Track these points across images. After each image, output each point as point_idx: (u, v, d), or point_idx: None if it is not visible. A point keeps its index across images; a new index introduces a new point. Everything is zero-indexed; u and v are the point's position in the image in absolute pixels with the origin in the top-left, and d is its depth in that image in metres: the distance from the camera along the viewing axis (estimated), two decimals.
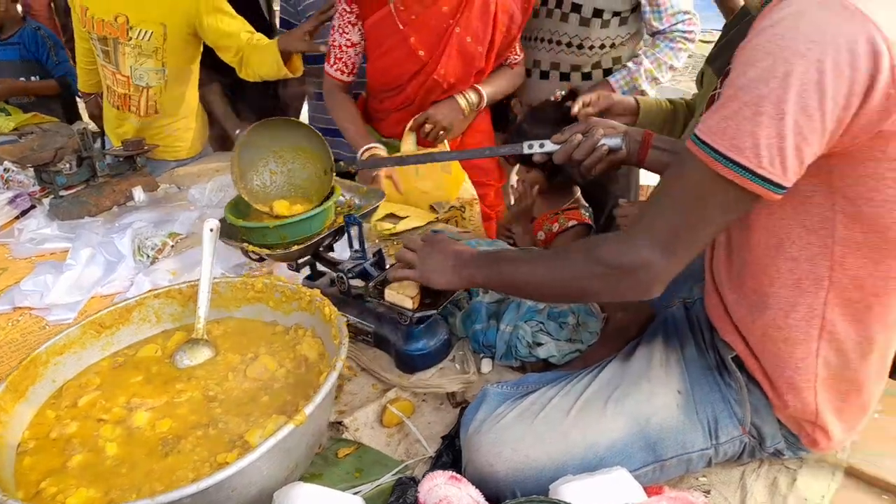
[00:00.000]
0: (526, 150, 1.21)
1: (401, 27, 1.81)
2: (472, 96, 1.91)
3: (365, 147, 1.86)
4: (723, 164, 0.74)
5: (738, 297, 0.94)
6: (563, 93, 1.71)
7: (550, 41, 2.09)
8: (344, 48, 1.92)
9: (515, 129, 1.86)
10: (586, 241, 0.96)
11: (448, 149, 1.91)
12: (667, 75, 2.07)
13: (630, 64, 2.04)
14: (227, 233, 1.29)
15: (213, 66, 2.44)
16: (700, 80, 1.62)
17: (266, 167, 1.37)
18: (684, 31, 1.99)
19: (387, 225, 1.75)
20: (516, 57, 2.04)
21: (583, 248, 0.94)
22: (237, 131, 2.62)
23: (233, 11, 2.17)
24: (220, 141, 2.77)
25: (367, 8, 1.84)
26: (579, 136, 1.19)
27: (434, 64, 1.85)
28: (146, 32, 2.11)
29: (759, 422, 0.97)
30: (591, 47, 2.05)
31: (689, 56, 2.08)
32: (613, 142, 1.19)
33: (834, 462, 1.02)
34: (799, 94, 0.69)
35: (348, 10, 1.87)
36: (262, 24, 2.70)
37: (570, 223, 1.87)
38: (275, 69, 2.06)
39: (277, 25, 2.66)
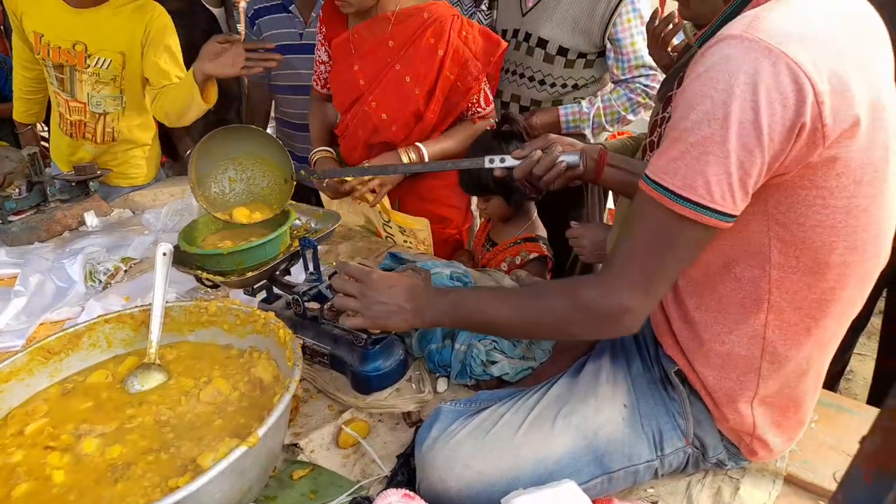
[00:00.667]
0: (487, 164, 1.24)
1: (352, 52, 1.84)
2: (413, 155, 1.83)
3: (315, 150, 1.96)
4: (679, 203, 0.79)
5: (683, 313, 0.99)
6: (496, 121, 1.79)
7: (514, 73, 2.11)
8: (318, 63, 2.02)
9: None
10: (563, 284, 0.96)
11: (388, 206, 1.88)
12: (615, 126, 2.08)
13: (584, 103, 2.04)
14: (182, 259, 1.29)
15: None
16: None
17: (224, 174, 1.37)
18: (646, 86, 1.97)
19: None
20: (481, 110, 1.92)
21: (560, 290, 0.95)
22: (188, 152, 2.62)
23: (179, 56, 2.16)
24: (176, 163, 2.75)
25: (332, 30, 1.90)
26: (539, 153, 1.23)
27: (369, 95, 1.84)
28: (105, 61, 2.10)
29: (701, 433, 1.01)
30: (553, 84, 2.06)
31: (647, 111, 2.02)
32: (571, 158, 1.23)
33: (774, 471, 1.07)
34: (738, 134, 0.74)
35: (322, 29, 1.95)
36: None
37: (532, 255, 1.89)
38: (186, 102, 2.00)
39: None
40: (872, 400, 1.98)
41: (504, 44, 1.89)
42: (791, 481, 1.06)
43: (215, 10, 2.68)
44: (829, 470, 1.05)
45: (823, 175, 0.79)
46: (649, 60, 1.94)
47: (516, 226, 1.97)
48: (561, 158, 1.22)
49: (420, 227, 1.86)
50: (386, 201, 1.87)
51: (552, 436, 0.96)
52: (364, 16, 1.80)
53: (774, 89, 0.73)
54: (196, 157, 1.31)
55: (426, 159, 1.83)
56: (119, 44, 2.09)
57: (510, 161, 1.25)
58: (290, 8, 2.36)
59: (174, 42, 2.16)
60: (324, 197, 2.07)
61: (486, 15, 2.53)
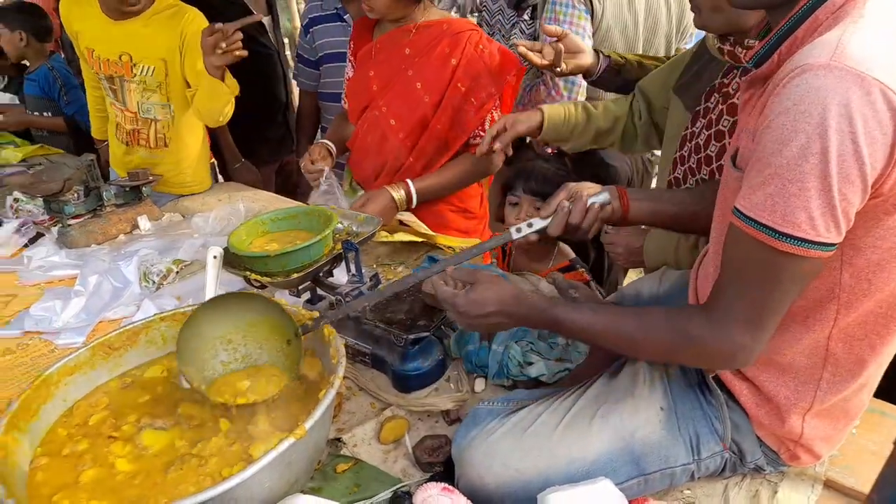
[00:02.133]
0: (515, 235, 1.15)
1: (371, 59, 1.89)
2: (401, 191, 1.82)
3: (317, 142, 2.00)
4: (782, 240, 0.77)
5: None
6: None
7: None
8: (347, 80, 2.07)
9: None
10: (670, 317, 0.93)
11: (425, 227, 1.87)
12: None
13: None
14: (230, 262, 1.35)
15: None
16: (642, 103, 1.68)
17: (216, 359, 1.12)
18: None
19: (383, 233, 1.81)
20: (482, 134, 1.81)
21: (669, 324, 0.92)
22: (235, 165, 2.71)
23: None
24: (221, 171, 2.84)
25: (359, 43, 1.96)
26: (566, 204, 1.17)
27: (380, 99, 1.87)
28: (149, 68, 2.19)
29: (739, 438, 1.01)
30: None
31: None
32: (602, 198, 1.18)
33: (813, 475, 1.07)
34: (839, 166, 0.73)
35: (351, 46, 2.01)
36: (264, 51, 2.80)
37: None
38: (210, 96, 2.07)
39: (292, 60, 2.77)
40: None
41: (523, 67, 1.87)
42: (831, 486, 1.05)
43: (264, 19, 2.77)
44: (870, 475, 1.04)
45: None
46: None
47: (545, 257, 1.90)
48: (592, 200, 1.17)
49: (469, 245, 1.87)
50: (421, 224, 1.87)
51: (589, 436, 0.98)
52: (390, 27, 1.85)
53: (872, 118, 0.72)
54: (178, 347, 1.10)
55: (413, 195, 1.83)
56: (159, 51, 2.18)
57: (539, 223, 1.17)
58: (345, 17, 2.43)
59: None
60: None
61: (529, 25, 2.55)
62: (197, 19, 2.20)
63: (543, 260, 1.90)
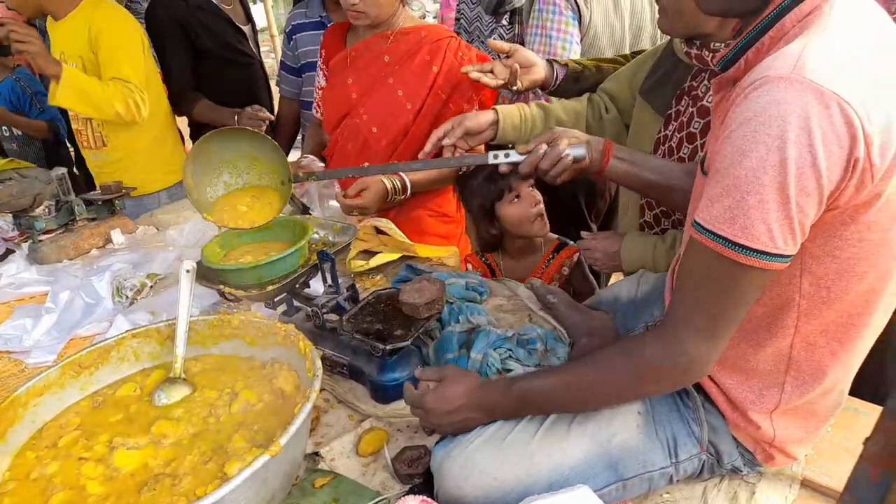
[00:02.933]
0: (491, 160, 1.23)
1: (347, 67, 1.88)
2: (396, 182, 1.83)
3: (304, 158, 2.01)
4: (740, 252, 0.78)
5: None
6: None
7: None
8: (318, 89, 2.06)
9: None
10: (624, 348, 0.94)
11: (403, 237, 1.86)
12: None
13: None
14: (205, 275, 1.33)
15: (195, 87, 2.64)
16: (606, 99, 1.69)
17: (219, 178, 1.33)
18: None
19: (359, 262, 1.79)
20: None
21: (623, 356, 0.94)
22: (234, 117, 2.66)
23: (121, 53, 2.22)
24: None
25: (330, 51, 1.95)
26: (544, 147, 1.22)
27: (360, 107, 1.87)
28: (73, 65, 2.19)
29: (716, 440, 1.02)
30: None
31: None
32: (577, 151, 1.22)
33: (790, 475, 1.07)
34: (798, 178, 0.74)
35: (322, 53, 1.99)
36: (246, 60, 2.79)
37: (575, 257, 1.87)
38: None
39: (277, 68, 2.77)
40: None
41: None
42: (808, 485, 1.06)
43: (245, 27, 2.75)
44: (845, 474, 1.05)
45: (864, 211, 0.79)
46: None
47: (533, 250, 1.92)
48: (567, 152, 1.21)
49: (448, 254, 1.87)
50: (399, 232, 1.86)
51: (567, 442, 0.98)
52: (365, 34, 1.84)
53: (830, 131, 0.72)
54: (190, 161, 1.29)
55: (408, 184, 1.82)
56: (78, 48, 2.18)
57: (515, 156, 1.24)
58: (329, 25, 2.42)
59: (120, 39, 2.21)
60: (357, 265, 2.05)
61: (508, 30, 2.57)
62: (106, 15, 2.19)
63: (532, 253, 1.91)
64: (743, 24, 0.92)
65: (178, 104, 2.71)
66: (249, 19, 2.85)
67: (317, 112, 2.11)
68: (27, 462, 0.98)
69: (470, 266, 1.96)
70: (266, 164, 1.34)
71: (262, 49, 3.08)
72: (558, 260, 1.87)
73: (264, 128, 2.45)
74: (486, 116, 1.60)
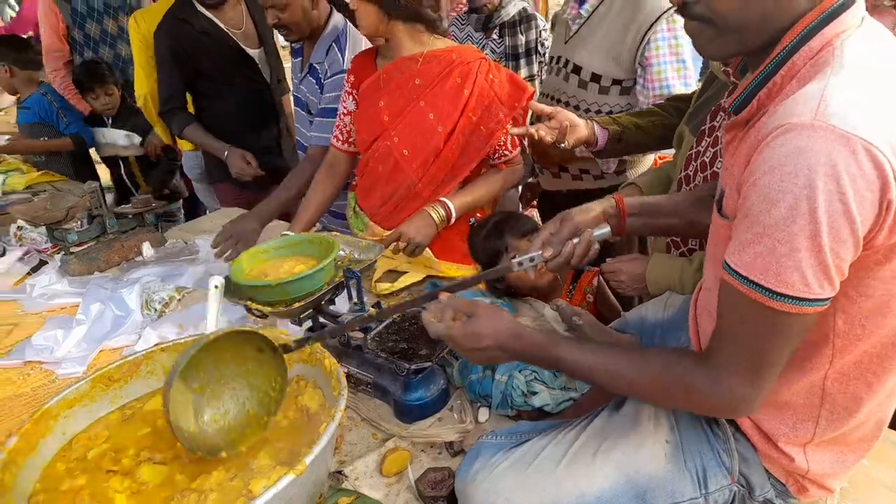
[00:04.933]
0: (517, 268, 1.14)
1: (380, 88, 1.89)
2: (441, 211, 1.84)
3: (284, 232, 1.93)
4: (777, 300, 0.77)
5: None
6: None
7: (552, 98, 2.14)
8: (342, 115, 2.03)
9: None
10: (669, 366, 0.91)
11: (432, 255, 1.88)
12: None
13: None
14: (232, 290, 1.34)
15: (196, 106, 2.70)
16: (678, 141, 1.66)
17: (201, 418, 1.03)
18: None
19: (385, 284, 1.79)
20: (507, 153, 1.92)
21: (669, 374, 0.91)
22: (225, 153, 2.65)
23: None
24: (222, 169, 2.80)
25: (361, 75, 1.96)
26: (571, 244, 1.14)
27: (392, 130, 1.87)
28: None
29: (747, 471, 0.99)
30: (588, 110, 2.05)
31: None
32: (603, 233, 1.17)
33: None
34: (830, 226, 0.73)
35: (350, 79, 2.00)
36: (255, 86, 2.82)
37: (595, 281, 1.82)
38: None
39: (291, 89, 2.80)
40: None
41: (531, 90, 1.89)
42: None
43: (253, 52, 2.76)
44: None
45: None
46: (677, 90, 1.92)
47: (554, 287, 1.82)
48: (596, 236, 1.15)
49: (472, 273, 1.86)
50: (429, 252, 1.87)
51: (593, 470, 0.96)
52: (392, 57, 1.86)
53: (859, 177, 0.71)
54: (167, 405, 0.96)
55: (453, 213, 1.85)
56: None
57: (539, 258, 1.14)
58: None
59: None
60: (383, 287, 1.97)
61: (499, 44, 2.60)
62: None
63: (554, 290, 1.83)
64: (750, 63, 0.91)
65: (166, 118, 2.76)
66: (263, 43, 2.85)
67: (336, 140, 2.06)
68: (57, 473, 1.00)
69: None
70: (248, 370, 1.08)
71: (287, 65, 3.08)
72: (579, 289, 1.83)
73: (250, 178, 2.54)
74: (589, 127, 1.64)
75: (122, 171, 3.52)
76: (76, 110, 3.46)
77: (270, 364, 1.07)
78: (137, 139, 3.39)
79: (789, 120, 0.74)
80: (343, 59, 2.14)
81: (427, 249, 1.85)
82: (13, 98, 3.79)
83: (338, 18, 2.22)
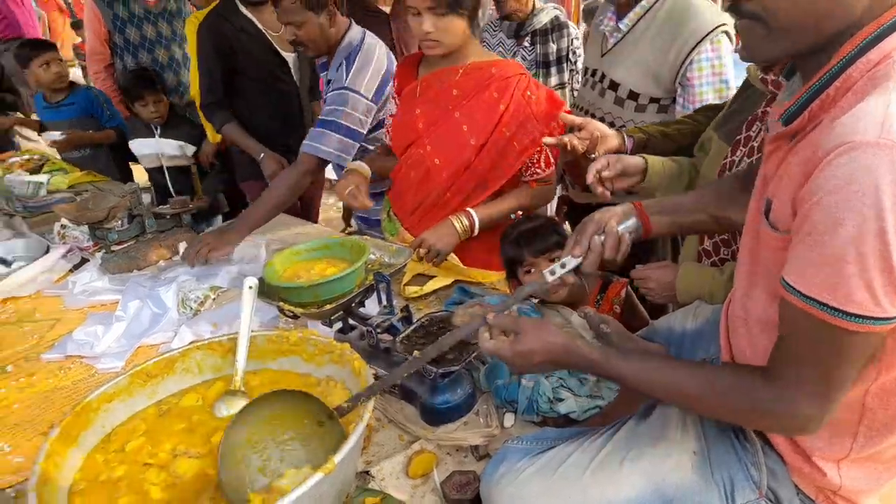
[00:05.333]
0: (550, 279, 1.12)
1: (417, 97, 1.91)
2: (465, 221, 1.84)
3: (349, 168, 2.01)
4: (845, 319, 0.76)
5: None
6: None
7: (586, 111, 2.12)
8: (390, 117, 2.08)
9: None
10: (735, 380, 0.91)
11: (459, 262, 1.88)
12: None
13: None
14: (266, 291, 1.38)
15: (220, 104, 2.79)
16: (702, 146, 1.64)
17: (249, 468, 1.01)
18: None
19: (414, 288, 1.81)
20: (539, 171, 1.89)
21: (734, 389, 0.91)
22: (261, 155, 2.74)
23: None
24: (250, 168, 2.89)
25: (403, 82, 1.99)
26: (598, 239, 1.14)
27: (426, 138, 1.89)
28: None
29: (775, 485, 0.98)
30: (623, 127, 1.99)
31: None
32: (630, 224, 1.16)
33: None
34: None
35: (395, 84, 2.04)
36: (285, 87, 2.89)
37: (623, 293, 1.81)
38: None
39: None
40: None
41: (562, 104, 1.88)
42: None
43: (288, 55, 2.83)
44: None
45: None
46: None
47: (581, 295, 1.81)
48: (622, 230, 1.14)
49: (500, 279, 1.88)
50: (456, 259, 1.88)
51: (619, 479, 0.96)
52: (437, 65, 1.87)
53: None
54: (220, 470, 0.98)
55: (476, 224, 1.85)
56: None
57: (571, 262, 1.13)
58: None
59: None
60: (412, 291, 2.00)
61: (530, 51, 2.60)
62: None
63: (581, 299, 1.81)
64: (801, 70, 0.89)
65: (208, 115, 2.87)
66: (296, 49, 2.91)
67: (387, 137, 2.14)
68: (96, 465, 1.04)
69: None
70: (291, 418, 1.06)
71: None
72: (607, 300, 1.82)
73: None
74: (636, 161, 1.58)
75: (168, 180, 3.39)
76: (114, 107, 3.59)
77: (329, 432, 1.02)
78: (191, 149, 3.33)
79: (853, 138, 0.74)
80: (346, 76, 2.13)
81: (453, 255, 1.86)
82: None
83: (354, 34, 2.22)
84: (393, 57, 2.30)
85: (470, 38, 1.81)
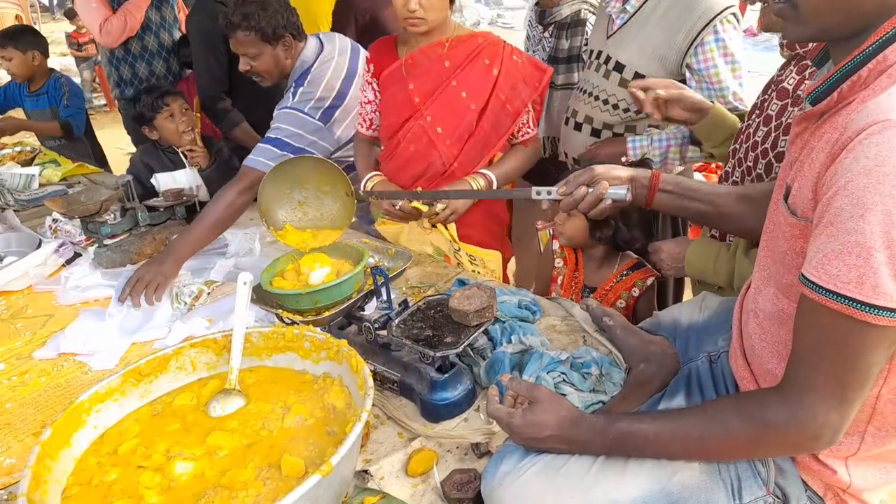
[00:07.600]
0: (534, 196, 1.26)
1: (404, 75, 1.92)
2: (481, 181, 1.87)
3: (368, 175, 2.03)
4: (873, 313, 0.73)
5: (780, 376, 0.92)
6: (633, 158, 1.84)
7: (590, 94, 2.10)
8: (364, 104, 2.08)
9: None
10: (740, 407, 0.89)
11: (455, 235, 1.93)
12: (687, 163, 2.00)
13: (655, 135, 1.93)
14: (262, 298, 1.35)
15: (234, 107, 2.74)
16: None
17: (291, 195, 1.49)
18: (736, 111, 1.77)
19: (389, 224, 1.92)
20: (530, 130, 2.00)
21: (739, 416, 0.88)
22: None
23: None
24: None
25: (381, 64, 1.98)
26: (583, 189, 1.20)
27: (425, 110, 1.90)
28: None
29: (783, 482, 0.96)
30: (626, 110, 2.03)
31: None
32: (618, 193, 1.21)
33: None
34: None
35: (370, 68, 2.02)
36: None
37: (649, 281, 1.83)
38: None
39: None
40: None
41: (549, 70, 1.95)
42: None
43: None
44: None
45: None
46: (737, 92, 1.86)
47: (611, 263, 1.90)
48: (607, 195, 1.20)
49: (491, 258, 1.90)
50: (453, 230, 1.92)
51: (624, 478, 0.94)
52: (417, 43, 1.89)
53: None
54: (268, 182, 1.44)
55: (494, 184, 1.89)
56: None
57: (555, 195, 1.25)
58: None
59: None
60: (384, 230, 2.12)
61: (549, 42, 2.54)
62: None
63: (609, 265, 1.91)
64: (834, 52, 0.86)
65: (210, 113, 2.78)
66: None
67: (361, 127, 2.11)
68: (89, 468, 1.01)
69: (556, 246, 1.99)
70: (328, 178, 1.47)
71: None
72: (631, 278, 1.84)
73: None
74: (698, 99, 1.59)
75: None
76: (82, 100, 3.58)
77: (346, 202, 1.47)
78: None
79: (888, 116, 0.70)
80: (293, 97, 2.09)
81: (452, 226, 1.92)
82: None
83: (308, 53, 2.16)
84: (361, 51, 2.26)
85: (448, 14, 1.87)
